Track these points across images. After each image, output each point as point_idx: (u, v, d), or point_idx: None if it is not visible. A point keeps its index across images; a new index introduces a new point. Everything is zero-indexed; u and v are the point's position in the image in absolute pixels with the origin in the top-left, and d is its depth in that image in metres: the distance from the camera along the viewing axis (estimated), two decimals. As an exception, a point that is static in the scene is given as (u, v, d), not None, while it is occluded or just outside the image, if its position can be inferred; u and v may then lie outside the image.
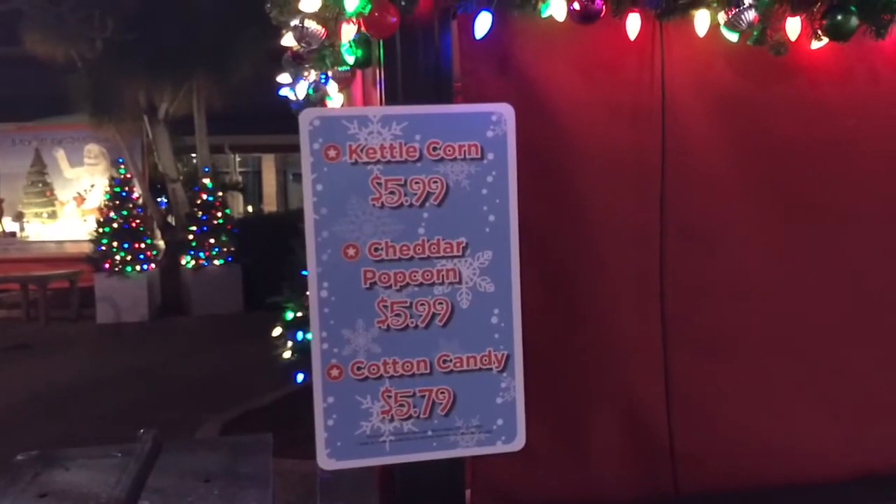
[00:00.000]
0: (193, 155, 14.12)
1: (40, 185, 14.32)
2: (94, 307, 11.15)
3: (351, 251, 2.77)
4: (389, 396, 2.79)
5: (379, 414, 2.77)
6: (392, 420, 2.78)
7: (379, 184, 2.77)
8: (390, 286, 2.80)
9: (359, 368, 2.78)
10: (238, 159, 18.05)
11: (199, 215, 11.84)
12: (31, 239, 14.03)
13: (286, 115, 6.08)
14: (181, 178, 13.13)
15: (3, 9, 11.57)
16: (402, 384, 2.79)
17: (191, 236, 11.74)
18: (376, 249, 2.79)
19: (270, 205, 18.57)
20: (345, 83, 3.61)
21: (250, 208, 17.79)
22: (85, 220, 13.78)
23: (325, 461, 2.72)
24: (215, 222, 11.82)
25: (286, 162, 19.32)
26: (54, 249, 13.41)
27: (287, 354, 6.04)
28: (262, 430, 5.06)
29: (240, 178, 18.22)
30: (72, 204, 14.35)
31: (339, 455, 2.73)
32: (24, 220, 14.27)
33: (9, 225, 14.42)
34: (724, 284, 3.31)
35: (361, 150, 2.75)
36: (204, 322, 10.67)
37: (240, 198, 17.30)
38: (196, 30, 11.76)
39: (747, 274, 3.34)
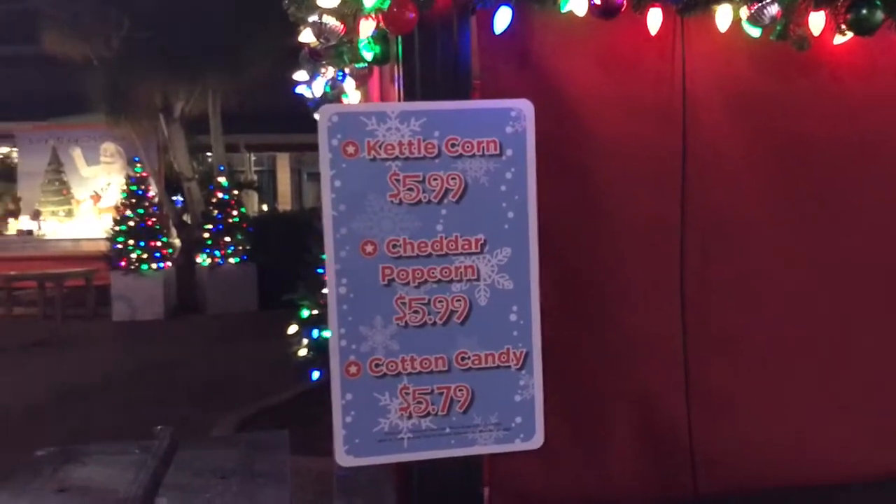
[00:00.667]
0: (209, 154, 14.16)
1: (57, 183, 14.41)
2: (110, 305, 11.20)
3: (369, 248, 2.76)
4: (407, 393, 2.78)
5: (397, 411, 2.76)
6: (410, 417, 2.76)
7: (397, 180, 2.76)
8: (408, 283, 2.79)
9: (377, 365, 2.77)
10: (253, 158, 18.10)
11: (215, 214, 11.87)
12: (48, 237, 14.12)
13: (301, 113, 6.08)
14: (197, 176, 13.18)
15: (19, 7, 11.66)
16: (421, 381, 2.78)
17: (206, 235, 11.77)
18: (394, 246, 2.78)
19: (285, 203, 18.62)
20: (362, 80, 3.61)
21: (265, 207, 17.83)
22: (101, 219, 13.86)
23: (344, 458, 2.71)
24: (230, 221, 11.84)
25: (301, 161, 19.36)
26: (71, 247, 13.49)
27: (302, 352, 6.04)
28: (278, 428, 5.06)
29: (255, 177, 18.25)
30: (88, 202, 14.43)
31: (357, 452, 2.72)
32: (42, 218, 14.36)
33: (26, 223, 14.51)
34: (745, 282, 3.28)
35: (380, 147, 2.74)
36: (219, 320, 10.69)
37: (255, 196, 17.33)
38: (211, 28, 11.80)
39: (769, 271, 3.30)
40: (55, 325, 10.84)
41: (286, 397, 6.62)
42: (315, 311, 6.18)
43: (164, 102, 12.82)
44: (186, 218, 13.03)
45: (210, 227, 11.83)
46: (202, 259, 11.75)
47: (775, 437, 3.31)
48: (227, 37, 11.86)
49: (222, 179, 12.18)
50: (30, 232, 14.36)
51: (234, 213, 11.99)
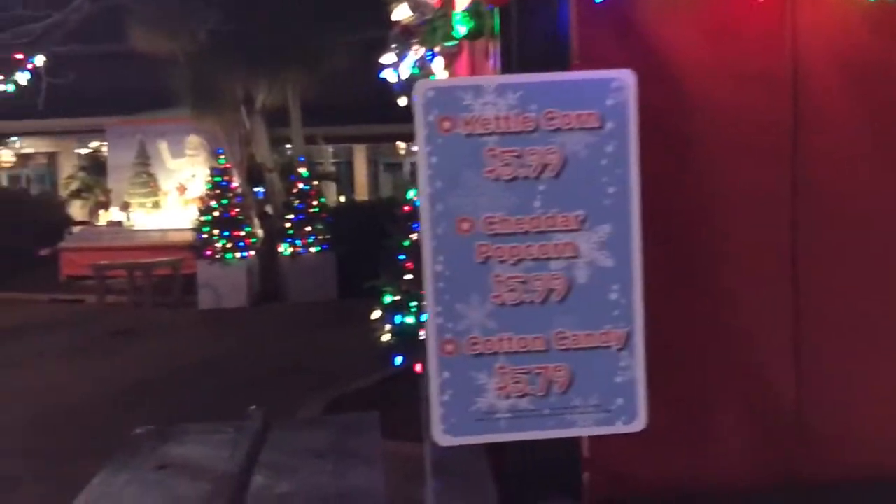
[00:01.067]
0: (289, 145, 14.39)
1: (144, 175, 14.88)
2: (196, 293, 11.49)
3: (465, 225, 2.72)
4: (505, 373, 2.72)
5: (494, 390, 2.71)
6: (508, 397, 2.71)
7: (494, 156, 2.70)
8: (505, 261, 2.73)
9: (473, 344, 2.72)
10: (331, 149, 18.33)
11: (295, 204, 12.05)
12: (136, 228, 14.59)
13: (379, 104, 6.06)
14: (277, 167, 13.41)
15: (108, 5, 12.05)
16: (518, 361, 2.72)
17: (287, 224, 11.96)
18: (491, 223, 2.72)
19: (362, 194, 18.81)
20: (450, 60, 3.56)
21: (343, 197, 18.03)
22: (187, 209, 14.24)
23: (441, 437, 2.67)
24: (311, 211, 12.01)
25: (377, 152, 19.55)
26: (158, 238, 13.90)
27: (385, 338, 6.06)
28: (354, 413, 5.07)
29: (333, 168, 18.48)
30: (174, 194, 14.86)
31: (454, 431, 2.68)
32: (130, 209, 14.85)
33: (116, 214, 15.03)
34: (860, 258, 3.12)
35: (476, 122, 2.69)
36: (301, 308, 10.84)
37: (333, 187, 17.55)
38: (291, 22, 11.97)
39: (886, 248, 3.13)
40: (144, 312, 11.19)
41: (369, 382, 6.66)
42: (397, 297, 6.18)
43: (245, 96, 13.08)
44: (268, 208, 13.28)
45: (291, 216, 12.02)
46: (284, 248, 11.95)
47: (891, 422, 3.13)
48: (306, 30, 12.03)
49: (302, 170, 12.35)
50: (119, 223, 14.87)
51: (314, 203, 12.15)
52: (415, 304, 6.16)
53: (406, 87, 4.50)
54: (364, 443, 4.15)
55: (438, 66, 3.61)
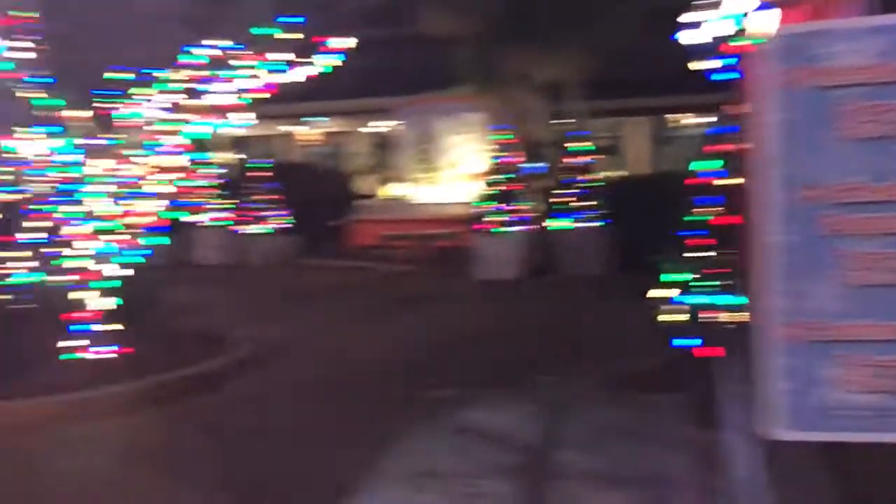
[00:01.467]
0: (567, 120, 14.28)
1: (426, 152, 15.61)
2: (473, 264, 11.81)
3: (812, 192, 2.38)
4: (858, 364, 2.36)
5: (845, 383, 2.36)
6: (862, 391, 2.35)
7: (853, 111, 2.34)
8: (859, 235, 2.37)
9: (819, 329, 2.38)
10: (608, 123, 18.00)
11: (572, 178, 11.97)
12: (418, 201, 15.35)
13: (657, 77, 5.65)
14: (555, 143, 13.37)
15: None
16: (875, 350, 2.35)
17: (564, 199, 11.91)
18: (844, 190, 2.37)
19: (640, 168, 18.29)
20: (787, 9, 3.16)
21: (620, 172, 17.66)
22: (464, 184, 14.71)
23: (780, 430, 2.38)
24: (588, 185, 11.87)
25: (655, 124, 18.92)
26: (437, 211, 14.49)
27: (668, 317, 5.74)
28: (643, 393, 4.81)
29: (610, 142, 18.13)
30: (453, 169, 15.42)
31: (795, 425, 2.37)
32: (413, 184, 15.67)
33: (400, 189, 15.95)
34: None
35: (833, 73, 2.34)
36: (576, 282, 10.72)
37: (610, 161, 17.22)
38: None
39: None
40: (426, 280, 11.71)
41: (651, 362, 6.35)
42: (684, 276, 5.83)
43: (525, 72, 13.16)
44: (545, 183, 13.29)
45: (568, 191, 11.95)
46: (560, 222, 11.91)
47: None
48: (586, 5, 11.86)
49: (580, 145, 12.22)
50: (402, 196, 15.74)
51: (592, 177, 11.99)
52: (705, 283, 5.77)
53: (712, 47, 4.13)
54: (664, 426, 3.90)
55: (773, 18, 3.22)
